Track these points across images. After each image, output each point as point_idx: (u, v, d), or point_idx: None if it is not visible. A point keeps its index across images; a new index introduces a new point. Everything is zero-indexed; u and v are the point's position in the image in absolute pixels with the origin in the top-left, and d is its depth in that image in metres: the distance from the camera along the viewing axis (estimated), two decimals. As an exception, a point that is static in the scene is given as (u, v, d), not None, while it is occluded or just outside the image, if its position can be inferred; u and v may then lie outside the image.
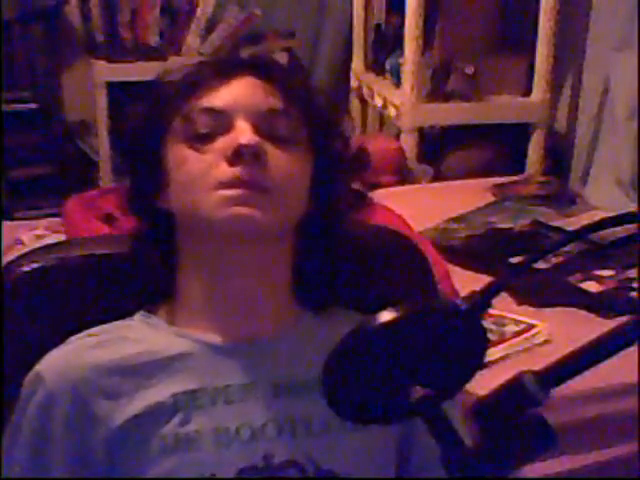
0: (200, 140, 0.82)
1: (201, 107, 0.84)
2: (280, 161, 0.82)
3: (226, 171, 0.80)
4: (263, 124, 0.83)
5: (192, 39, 2.87)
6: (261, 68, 0.89)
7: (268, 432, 0.80)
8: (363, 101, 3.15)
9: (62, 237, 1.68)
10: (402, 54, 2.62)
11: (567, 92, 2.78)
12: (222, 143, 0.82)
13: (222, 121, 0.83)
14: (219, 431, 0.78)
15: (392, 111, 2.72)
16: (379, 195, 1.84)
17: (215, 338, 0.82)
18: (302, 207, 0.85)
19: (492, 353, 1.40)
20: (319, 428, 0.81)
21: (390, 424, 0.61)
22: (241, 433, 0.79)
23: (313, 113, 0.89)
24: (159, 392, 0.79)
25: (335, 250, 0.90)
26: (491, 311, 0.57)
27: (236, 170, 0.79)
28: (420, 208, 2.01)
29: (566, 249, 1.78)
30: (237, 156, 0.79)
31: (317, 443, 0.80)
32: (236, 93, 0.86)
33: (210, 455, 0.77)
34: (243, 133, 0.81)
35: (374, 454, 0.83)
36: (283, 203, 0.81)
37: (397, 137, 2.71)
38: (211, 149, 0.82)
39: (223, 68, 0.88)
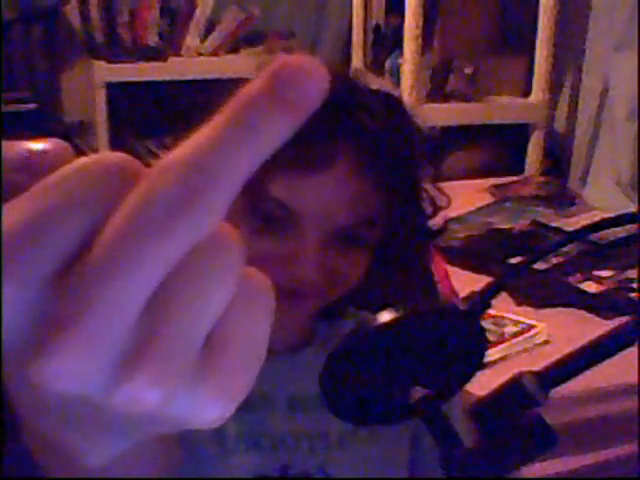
0: (259, 220, 0.72)
1: (270, 196, 0.71)
2: (344, 266, 0.75)
3: (273, 279, 0.71)
4: (340, 233, 0.73)
5: (191, 39, 2.86)
6: (364, 151, 0.73)
7: (287, 444, 0.79)
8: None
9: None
10: (401, 54, 2.62)
11: (566, 92, 2.78)
12: (282, 242, 0.72)
13: (290, 220, 0.72)
14: (242, 436, 0.78)
15: (392, 111, 2.72)
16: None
17: None
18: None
19: (491, 353, 1.40)
20: (336, 441, 0.80)
21: (390, 424, 0.61)
22: (261, 442, 0.78)
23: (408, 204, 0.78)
24: None
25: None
26: (490, 311, 0.57)
27: (287, 283, 0.71)
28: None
29: (566, 249, 1.78)
30: (293, 291, 0.71)
31: (332, 455, 0.80)
32: (317, 197, 0.72)
33: (231, 457, 0.77)
34: (306, 266, 0.71)
35: (388, 464, 0.83)
36: (336, 294, 0.77)
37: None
38: (268, 238, 0.72)
39: (313, 142, 0.70)
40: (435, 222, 0.83)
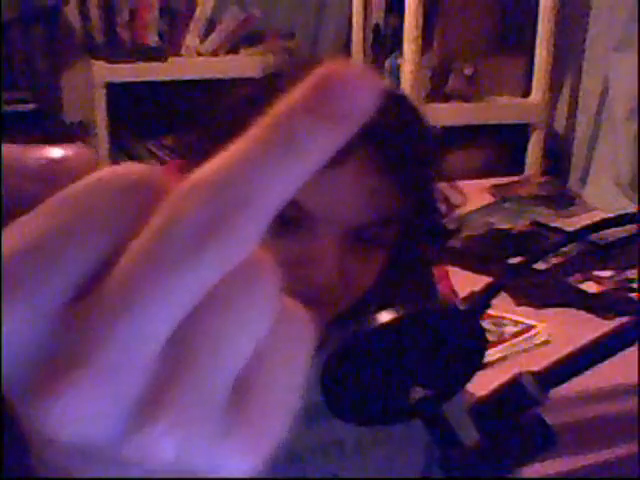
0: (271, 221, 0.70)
1: None
2: (360, 267, 0.73)
3: (287, 285, 0.70)
4: (355, 233, 0.72)
5: (191, 39, 2.86)
6: (377, 149, 0.71)
7: (304, 455, 0.78)
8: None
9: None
10: (401, 55, 2.62)
11: (566, 92, 2.78)
12: (295, 245, 0.70)
13: (304, 220, 0.70)
14: None
15: (391, 111, 2.72)
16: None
17: None
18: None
19: (491, 353, 1.40)
20: (351, 449, 0.79)
21: (389, 425, 0.61)
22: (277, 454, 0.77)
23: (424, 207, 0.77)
24: None
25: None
26: (490, 311, 0.57)
27: (302, 289, 0.67)
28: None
29: (566, 249, 1.78)
30: (307, 291, 0.68)
31: (347, 463, 0.79)
32: (331, 195, 0.70)
33: None
34: (320, 267, 0.69)
35: (402, 469, 0.82)
36: (352, 297, 0.75)
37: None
38: (281, 241, 0.70)
39: None
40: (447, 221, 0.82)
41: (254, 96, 0.73)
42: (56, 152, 0.23)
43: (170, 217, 0.20)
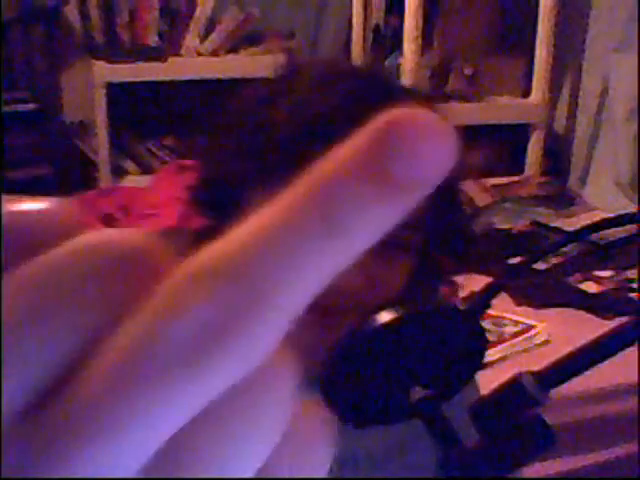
0: None
1: None
2: (387, 273, 0.72)
3: None
4: (382, 237, 0.69)
5: (191, 39, 2.86)
6: None
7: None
8: (362, 101, 3.15)
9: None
10: (401, 55, 2.62)
11: (566, 93, 2.78)
12: None
13: None
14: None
15: (391, 111, 2.72)
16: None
17: None
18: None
19: (491, 353, 1.40)
20: (365, 463, 0.78)
21: (389, 425, 0.61)
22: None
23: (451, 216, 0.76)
24: None
25: None
26: (490, 311, 0.57)
27: (324, 298, 0.65)
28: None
29: (566, 249, 1.78)
30: None
31: (361, 476, 0.78)
32: None
33: None
34: (345, 274, 0.66)
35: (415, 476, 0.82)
36: (379, 302, 0.74)
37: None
38: None
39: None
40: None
41: (264, 97, 0.73)
42: (28, 207, 0.18)
43: (168, 308, 0.15)
